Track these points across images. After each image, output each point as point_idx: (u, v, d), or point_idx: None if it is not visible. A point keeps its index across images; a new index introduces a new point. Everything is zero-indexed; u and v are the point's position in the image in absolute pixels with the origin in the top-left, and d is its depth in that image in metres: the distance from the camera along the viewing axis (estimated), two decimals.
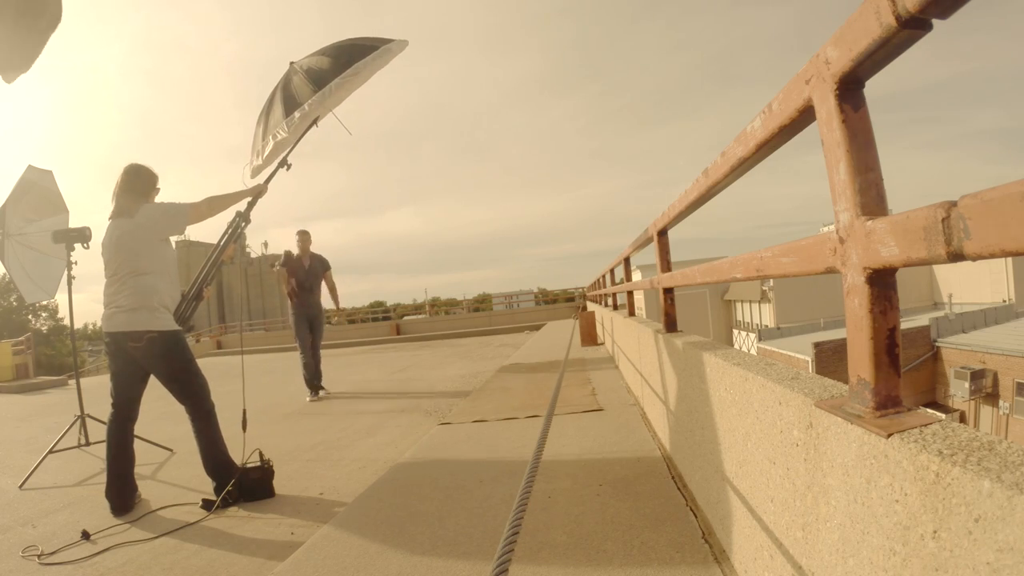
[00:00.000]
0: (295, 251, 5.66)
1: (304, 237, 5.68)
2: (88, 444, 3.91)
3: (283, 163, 3.25)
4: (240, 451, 2.76)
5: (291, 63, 3.49)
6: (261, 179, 3.20)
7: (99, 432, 3.89)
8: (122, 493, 2.66)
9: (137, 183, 2.76)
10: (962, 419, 14.18)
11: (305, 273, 5.59)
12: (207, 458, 2.70)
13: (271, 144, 3.23)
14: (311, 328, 5.69)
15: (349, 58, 3.19)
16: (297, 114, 3.10)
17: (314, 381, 5.72)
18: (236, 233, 3.09)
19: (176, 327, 2.73)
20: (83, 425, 3.97)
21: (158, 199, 2.86)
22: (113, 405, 2.68)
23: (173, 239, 2.87)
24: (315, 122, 3.33)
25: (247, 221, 3.11)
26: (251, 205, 3.10)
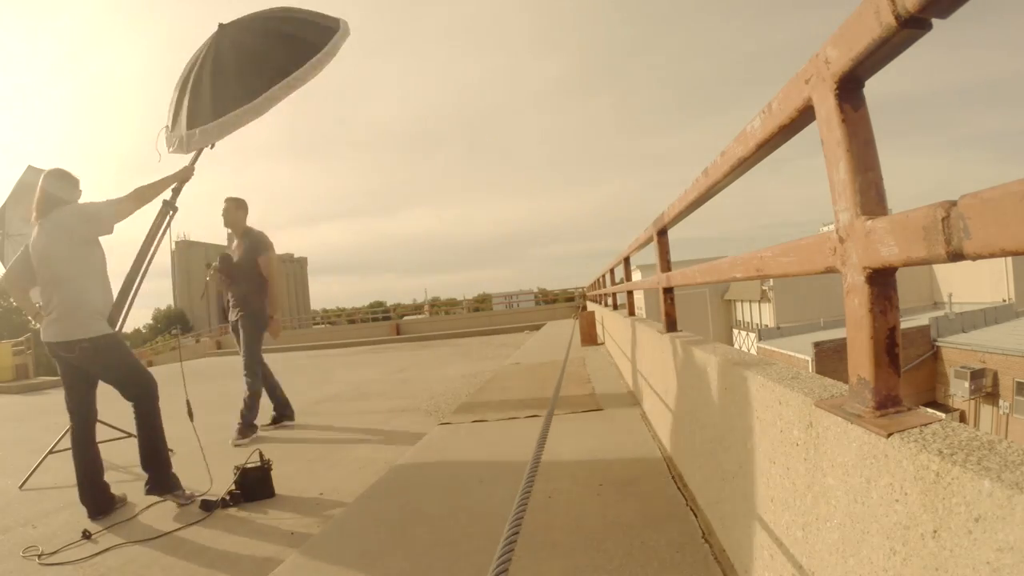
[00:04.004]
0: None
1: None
2: None
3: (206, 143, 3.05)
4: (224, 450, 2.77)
5: (220, 25, 3.15)
6: (186, 160, 3.01)
7: (99, 432, 3.88)
8: (95, 497, 2.65)
9: (54, 188, 2.68)
10: (962, 419, 14.17)
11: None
12: (144, 451, 2.70)
13: (192, 141, 3.00)
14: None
15: (287, 59, 2.87)
16: (198, 132, 2.90)
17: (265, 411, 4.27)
18: (165, 226, 2.96)
19: (108, 330, 2.67)
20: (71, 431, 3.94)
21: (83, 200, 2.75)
22: (68, 412, 2.67)
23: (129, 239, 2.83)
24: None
25: (175, 209, 2.97)
26: (176, 192, 2.96)
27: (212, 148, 3.07)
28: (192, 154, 3.03)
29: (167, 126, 3.15)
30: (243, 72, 2.95)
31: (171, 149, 3.07)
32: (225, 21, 3.24)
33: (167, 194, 2.94)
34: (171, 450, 3.79)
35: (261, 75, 2.90)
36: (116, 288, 2.87)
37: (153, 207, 2.92)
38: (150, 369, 3.00)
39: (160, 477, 2.69)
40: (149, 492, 2.67)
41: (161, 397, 2.85)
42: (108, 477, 3.23)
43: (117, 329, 2.80)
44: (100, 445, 3.19)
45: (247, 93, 2.86)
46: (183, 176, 2.96)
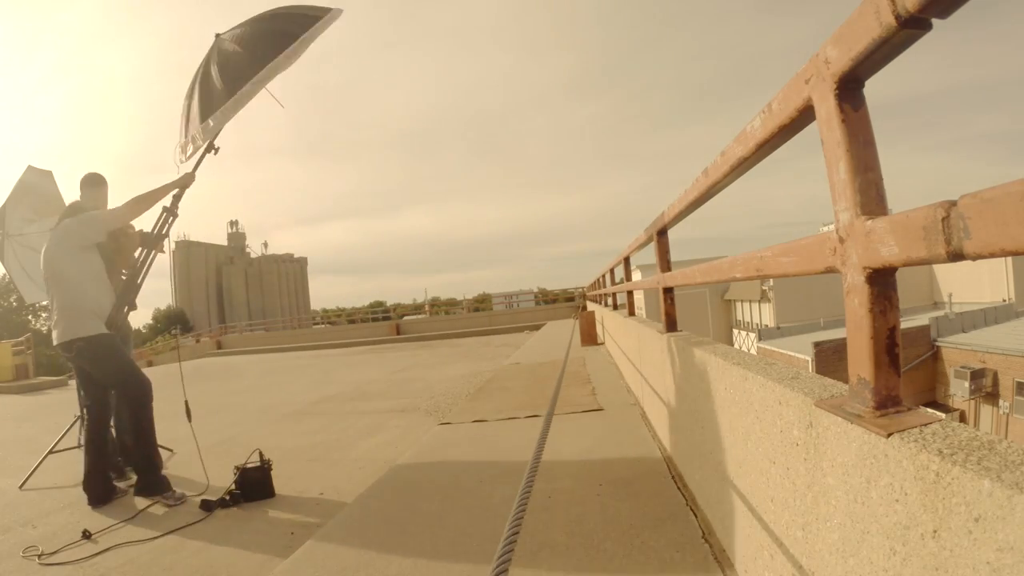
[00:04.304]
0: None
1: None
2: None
3: (210, 148, 3.12)
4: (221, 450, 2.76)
5: (217, 35, 3.31)
6: (189, 166, 3.11)
7: None
8: (98, 486, 2.79)
9: (86, 194, 2.91)
10: (962, 418, 14.18)
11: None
12: (135, 453, 2.81)
13: (191, 147, 3.11)
14: None
15: (263, 54, 3.01)
16: (211, 121, 2.98)
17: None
18: (165, 231, 3.04)
19: (103, 331, 2.74)
20: (83, 425, 3.95)
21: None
22: (82, 407, 2.87)
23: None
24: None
25: (174, 216, 3.04)
26: (177, 198, 3.02)
27: (216, 153, 3.14)
28: (194, 161, 3.11)
29: (180, 141, 3.22)
30: (248, 53, 3.05)
31: (185, 156, 3.14)
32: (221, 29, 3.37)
33: (168, 200, 3.00)
34: (171, 450, 3.81)
35: (269, 45, 3.01)
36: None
37: (153, 214, 3.01)
38: (150, 369, 3.02)
39: (149, 480, 2.76)
40: (138, 494, 2.76)
41: (161, 397, 2.86)
42: None
43: (122, 327, 2.89)
44: None
45: (255, 64, 2.96)
46: (184, 183, 3.01)
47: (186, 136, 3.17)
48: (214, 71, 3.10)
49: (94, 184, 3.01)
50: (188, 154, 3.14)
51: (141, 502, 2.77)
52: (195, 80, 3.23)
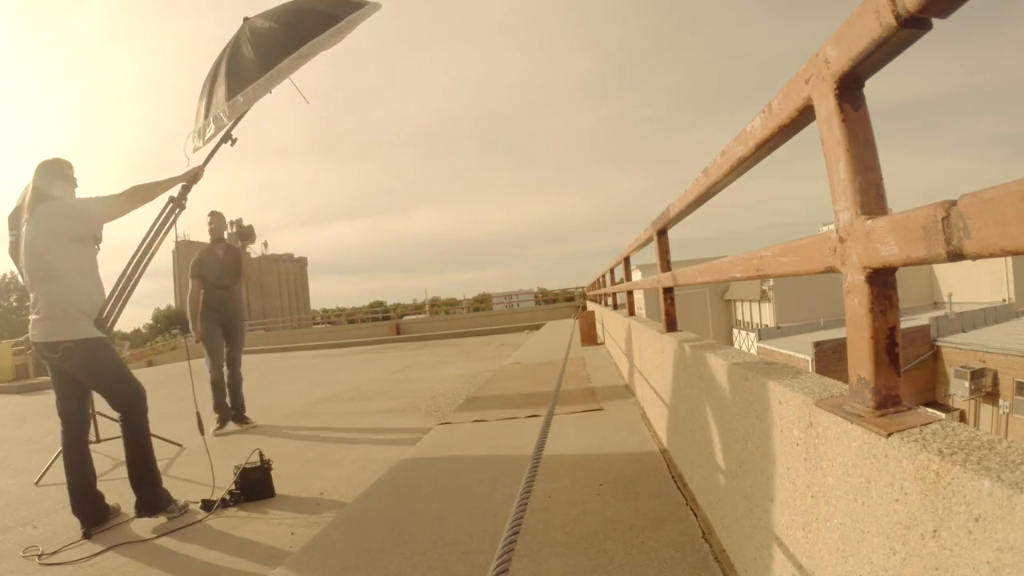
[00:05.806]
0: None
1: (217, 220, 4.42)
2: (99, 441, 3.81)
3: (226, 138, 2.99)
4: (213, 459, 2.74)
5: (245, 19, 3.21)
6: (200, 159, 2.97)
7: (109, 429, 3.85)
8: (89, 508, 2.48)
9: (46, 178, 2.52)
10: (962, 418, 14.17)
11: (219, 266, 4.34)
12: (132, 470, 2.52)
13: (212, 128, 2.98)
14: (226, 336, 4.40)
15: (305, 31, 2.89)
16: (240, 98, 2.84)
17: (232, 407, 4.40)
18: (168, 224, 2.85)
19: (96, 334, 2.50)
20: (93, 422, 3.86)
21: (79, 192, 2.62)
22: (59, 417, 2.51)
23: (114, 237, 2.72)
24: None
25: (181, 208, 2.85)
26: (185, 190, 2.85)
27: (232, 145, 3.03)
28: (205, 155, 3.00)
29: (197, 126, 3.12)
30: (285, 29, 2.95)
31: (203, 140, 3.01)
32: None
33: (175, 191, 2.83)
34: (180, 445, 3.80)
35: (307, 27, 2.91)
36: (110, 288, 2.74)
37: (158, 205, 2.82)
38: (150, 369, 2.99)
39: (150, 498, 2.51)
40: (140, 515, 2.49)
41: (162, 396, 2.84)
42: (112, 475, 3.22)
43: (108, 326, 2.63)
44: (105, 443, 3.12)
45: (291, 44, 2.86)
46: (192, 176, 2.85)
47: (206, 118, 3.03)
48: (245, 49, 2.98)
49: (56, 170, 2.57)
50: (207, 137, 2.99)
51: (123, 514, 2.63)
52: (219, 61, 3.12)
